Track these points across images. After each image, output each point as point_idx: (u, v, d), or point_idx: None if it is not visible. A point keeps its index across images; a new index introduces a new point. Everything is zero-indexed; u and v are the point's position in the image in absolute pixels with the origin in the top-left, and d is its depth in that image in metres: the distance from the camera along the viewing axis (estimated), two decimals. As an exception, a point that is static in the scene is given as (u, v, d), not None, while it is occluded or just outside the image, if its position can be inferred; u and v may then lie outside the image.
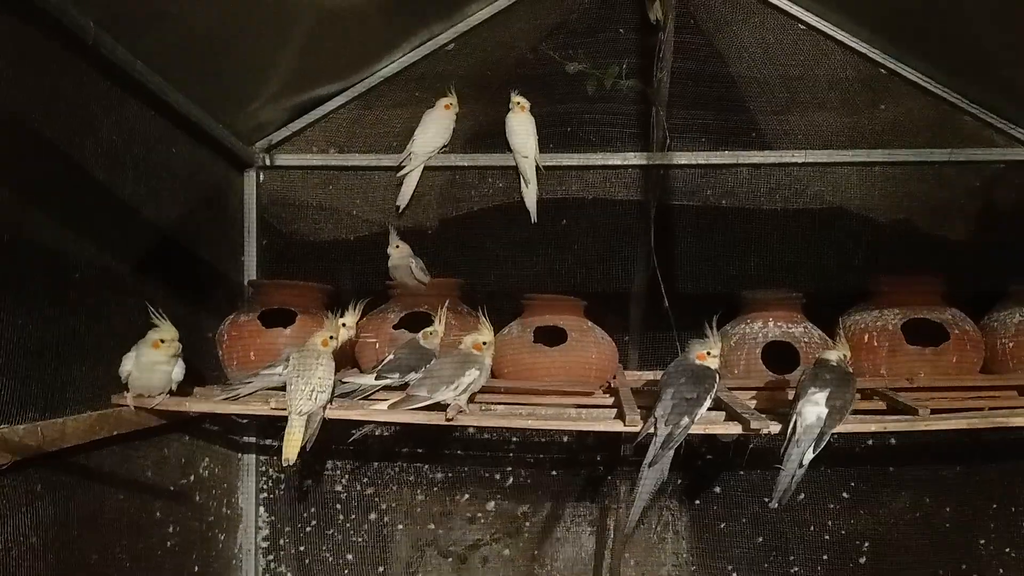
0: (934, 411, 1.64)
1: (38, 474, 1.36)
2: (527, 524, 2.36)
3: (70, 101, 1.45)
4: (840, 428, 1.54)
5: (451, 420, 1.63)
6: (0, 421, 1.25)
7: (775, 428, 1.54)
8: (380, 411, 1.69)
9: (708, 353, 1.62)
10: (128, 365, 1.58)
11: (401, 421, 1.72)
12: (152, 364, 1.59)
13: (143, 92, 1.68)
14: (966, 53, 2.07)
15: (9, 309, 1.29)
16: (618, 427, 1.62)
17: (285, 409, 1.60)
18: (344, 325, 1.82)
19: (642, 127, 2.32)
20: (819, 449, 1.50)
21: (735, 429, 1.59)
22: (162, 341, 1.58)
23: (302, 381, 1.59)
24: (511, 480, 2.35)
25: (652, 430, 1.56)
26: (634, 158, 2.31)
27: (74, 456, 1.46)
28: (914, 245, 2.26)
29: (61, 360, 1.43)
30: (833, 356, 1.61)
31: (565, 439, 2.34)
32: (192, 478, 1.96)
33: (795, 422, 1.52)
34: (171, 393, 1.65)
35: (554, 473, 2.35)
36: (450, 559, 2.36)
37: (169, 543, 1.83)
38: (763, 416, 1.56)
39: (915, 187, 2.28)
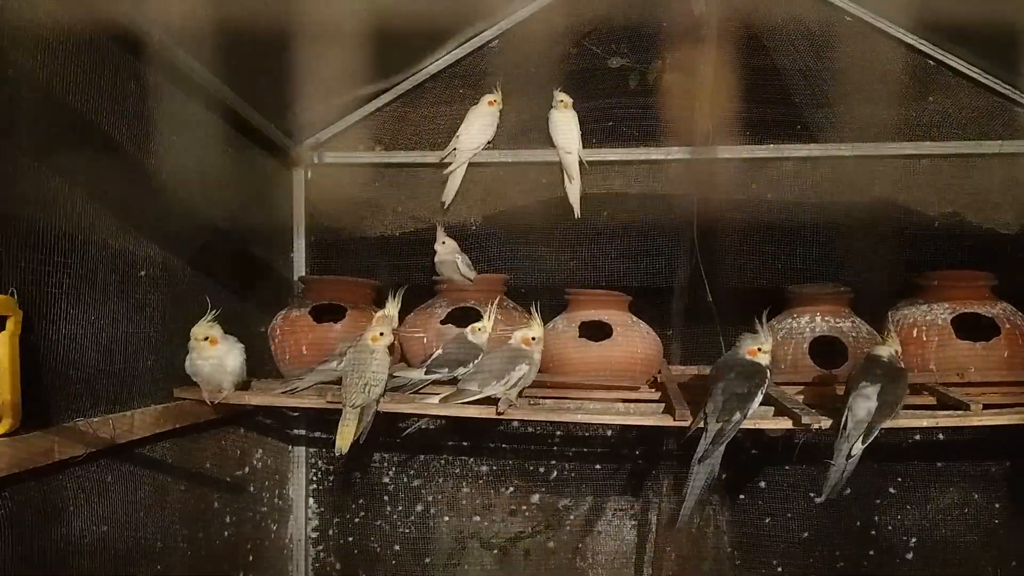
0: (986, 406, 1.63)
1: (109, 465, 1.41)
2: (569, 517, 2.38)
3: (137, 105, 1.50)
4: (891, 423, 1.54)
5: (502, 414, 1.66)
6: (75, 414, 1.30)
7: (826, 423, 1.54)
8: (432, 404, 1.72)
9: (759, 349, 1.62)
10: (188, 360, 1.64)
11: (452, 415, 1.75)
12: (200, 359, 1.64)
13: (202, 94, 1.73)
14: (1017, 42, 2.04)
15: (83, 306, 1.34)
16: (668, 422, 1.63)
17: (340, 403, 1.63)
18: (386, 315, 1.85)
19: (685, 121, 2.31)
20: (868, 442, 1.50)
21: (785, 424, 1.60)
22: (204, 339, 1.62)
23: (356, 375, 1.63)
24: (554, 473, 2.37)
25: (702, 425, 1.57)
26: (677, 152, 2.31)
27: (140, 448, 1.51)
28: (963, 238, 2.23)
29: (128, 355, 1.48)
30: (885, 351, 1.61)
31: (608, 433, 2.35)
32: (247, 469, 2.02)
33: (846, 417, 1.52)
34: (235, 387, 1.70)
35: (597, 467, 2.36)
36: (493, 551, 2.39)
37: (226, 532, 1.89)
38: (813, 411, 1.56)
39: (964, 180, 2.25)
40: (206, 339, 1.60)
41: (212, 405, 1.67)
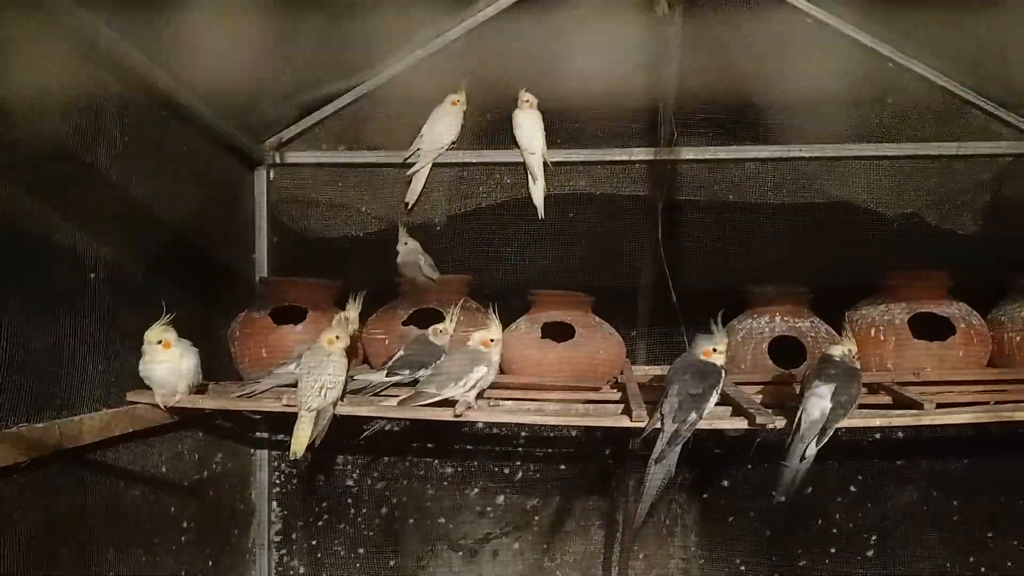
0: (939, 405, 1.65)
1: (56, 471, 1.38)
2: (536, 518, 2.38)
3: (83, 103, 1.47)
4: (845, 423, 1.56)
5: (459, 416, 1.65)
6: (18, 420, 1.28)
7: (780, 423, 1.55)
8: (390, 407, 1.71)
9: (714, 349, 1.63)
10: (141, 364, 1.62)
11: (410, 417, 1.74)
12: (153, 363, 1.61)
13: (154, 92, 1.70)
14: (974, 46, 2.07)
15: (28, 310, 1.32)
16: (624, 423, 1.63)
17: (296, 406, 1.62)
18: (347, 319, 1.83)
19: (649, 122, 2.32)
20: (822, 443, 1.51)
21: (741, 424, 1.60)
22: (157, 342, 1.60)
23: (312, 378, 1.61)
24: (520, 474, 2.37)
25: (659, 426, 1.57)
26: (641, 153, 2.32)
27: (91, 453, 1.48)
28: (921, 239, 2.26)
29: (77, 359, 1.46)
30: (837, 351, 1.62)
31: (573, 433, 2.35)
32: (206, 474, 1.99)
33: (800, 417, 1.53)
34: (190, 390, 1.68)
35: (562, 467, 2.37)
36: (460, 552, 2.38)
37: (184, 538, 1.86)
38: (769, 411, 1.57)
39: (922, 181, 2.28)
40: (159, 343, 1.58)
41: (166, 409, 1.65)
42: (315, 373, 1.62)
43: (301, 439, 1.58)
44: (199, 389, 1.73)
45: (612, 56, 2.32)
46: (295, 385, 1.71)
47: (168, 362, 1.61)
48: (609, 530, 2.37)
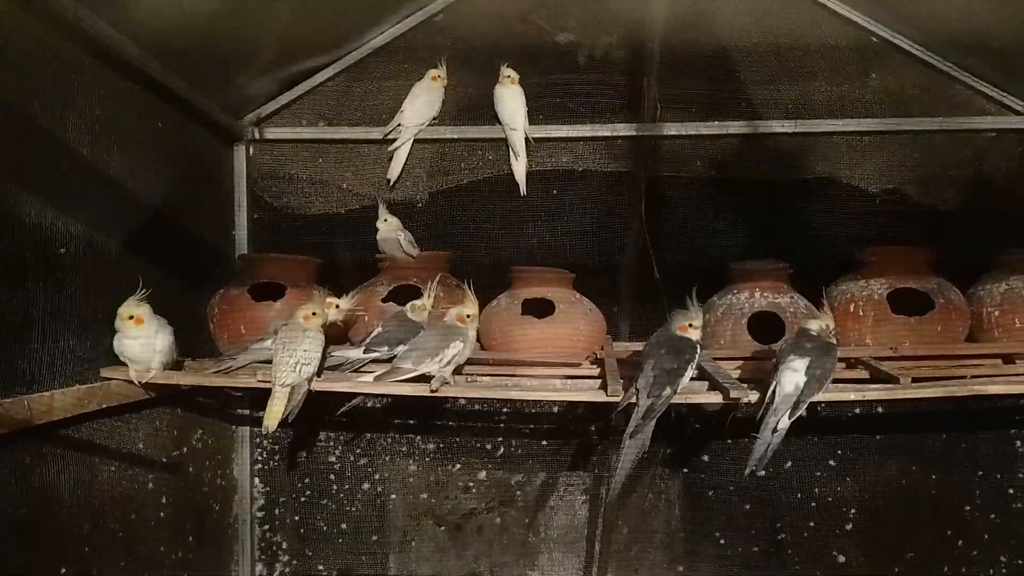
0: (916, 380, 1.65)
1: (27, 447, 1.38)
2: (519, 493, 2.39)
3: (52, 78, 1.45)
4: (820, 397, 1.56)
5: (435, 391, 1.65)
6: (-14, 395, 1.28)
7: (754, 397, 1.55)
8: (366, 383, 1.70)
9: (690, 325, 1.63)
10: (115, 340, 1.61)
11: (387, 393, 1.74)
12: (127, 339, 1.60)
13: (127, 67, 1.68)
14: (958, 21, 2.05)
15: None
16: (601, 398, 1.63)
17: (270, 381, 1.62)
18: (337, 306, 1.82)
19: (632, 98, 2.31)
20: (794, 417, 1.51)
21: (716, 398, 1.61)
22: (129, 318, 1.60)
23: (287, 353, 1.61)
24: (502, 450, 2.38)
25: (633, 400, 1.58)
26: (624, 129, 2.30)
27: (64, 429, 1.48)
28: (903, 215, 2.26)
29: (48, 335, 1.45)
30: (814, 325, 1.62)
31: (555, 409, 2.36)
32: (185, 450, 1.99)
33: (774, 390, 1.53)
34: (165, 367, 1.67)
35: (544, 443, 2.37)
36: (444, 528, 2.40)
37: (162, 514, 1.86)
38: (744, 386, 1.57)
39: (905, 156, 2.27)
40: (131, 318, 1.58)
41: (141, 385, 1.65)
42: (290, 349, 1.61)
43: (274, 414, 1.58)
44: (176, 366, 1.73)
45: (594, 31, 2.31)
46: (272, 361, 1.71)
47: (142, 338, 1.60)
48: (593, 504, 2.38)
